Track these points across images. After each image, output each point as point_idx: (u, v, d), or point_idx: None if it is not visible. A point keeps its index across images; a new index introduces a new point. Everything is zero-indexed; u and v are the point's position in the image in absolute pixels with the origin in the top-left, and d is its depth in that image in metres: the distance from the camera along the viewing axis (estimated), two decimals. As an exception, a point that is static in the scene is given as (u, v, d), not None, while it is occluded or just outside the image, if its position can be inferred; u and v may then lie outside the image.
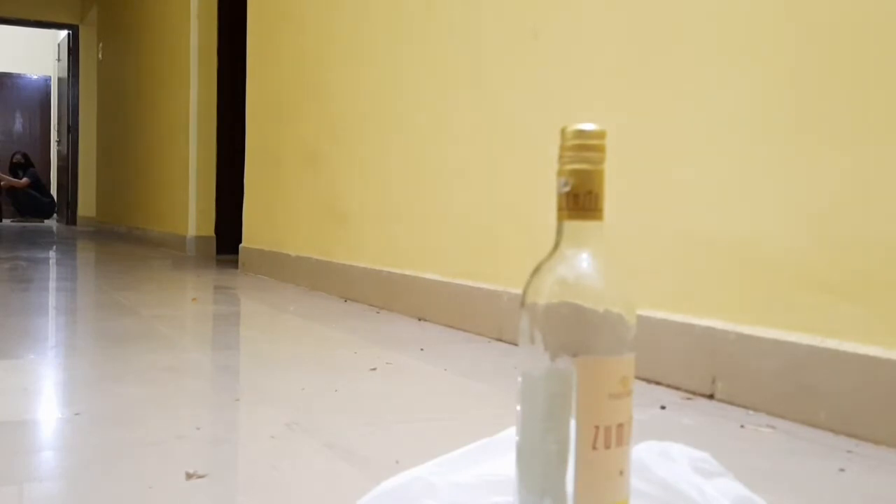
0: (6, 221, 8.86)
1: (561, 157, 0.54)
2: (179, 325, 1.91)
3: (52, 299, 2.34)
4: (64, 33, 8.50)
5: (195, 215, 4.35)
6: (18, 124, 10.29)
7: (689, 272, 1.24)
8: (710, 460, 0.65)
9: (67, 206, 8.46)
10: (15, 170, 8.98)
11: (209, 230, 4.30)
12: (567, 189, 0.53)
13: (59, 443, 0.95)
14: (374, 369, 1.36)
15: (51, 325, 1.88)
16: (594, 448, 0.51)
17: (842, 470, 0.87)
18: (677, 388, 1.22)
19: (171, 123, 4.73)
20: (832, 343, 1.02)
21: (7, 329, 1.74)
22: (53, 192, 9.42)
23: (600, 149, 0.53)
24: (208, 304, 2.37)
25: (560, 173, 0.54)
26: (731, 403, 1.14)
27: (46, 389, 1.24)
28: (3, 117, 10.19)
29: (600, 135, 0.53)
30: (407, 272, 2.06)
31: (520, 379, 0.54)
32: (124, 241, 5.57)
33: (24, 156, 9.10)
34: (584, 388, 0.51)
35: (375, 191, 2.27)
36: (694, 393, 1.20)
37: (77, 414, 1.04)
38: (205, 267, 3.55)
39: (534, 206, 1.60)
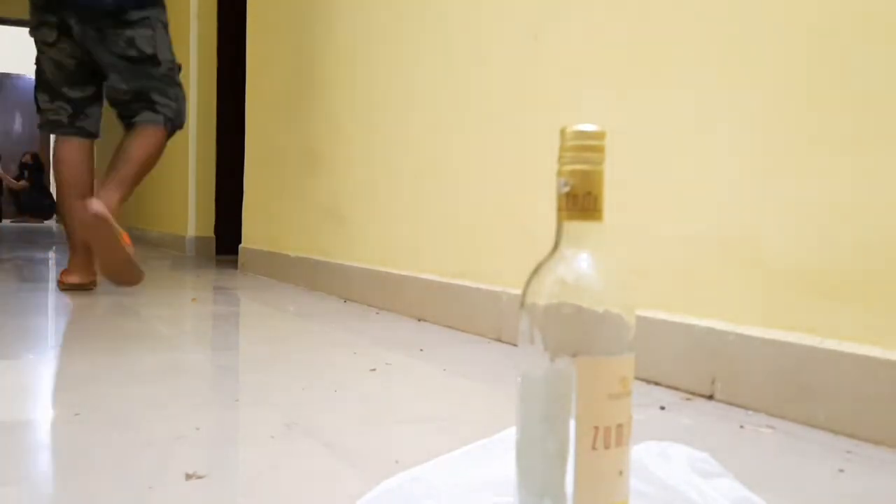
0: (6, 222, 8.86)
1: (560, 157, 0.54)
2: (179, 325, 1.91)
3: (51, 299, 2.34)
4: (64, 33, 8.49)
5: (195, 215, 4.35)
6: (18, 124, 10.29)
7: (689, 272, 1.24)
8: (709, 460, 0.65)
9: (67, 207, 8.44)
10: (23, 169, 8.98)
11: (209, 230, 4.30)
12: (567, 189, 0.53)
13: (59, 443, 0.95)
14: (374, 370, 1.36)
15: (50, 325, 1.88)
16: (594, 448, 0.51)
17: (841, 471, 0.87)
18: (677, 389, 1.23)
19: (170, 123, 4.73)
20: (832, 343, 1.02)
21: (7, 329, 1.74)
22: (53, 192, 9.42)
23: (600, 149, 0.53)
24: (208, 304, 2.37)
25: (560, 174, 0.54)
26: (731, 404, 1.14)
27: (46, 389, 1.24)
28: (2, 117, 10.19)
29: (600, 135, 0.53)
30: (406, 272, 2.06)
31: (519, 379, 0.54)
32: (124, 241, 5.56)
33: (34, 156, 9.11)
34: (583, 388, 0.51)
35: (374, 191, 2.27)
36: (693, 393, 1.20)
37: (77, 414, 1.04)
38: (204, 267, 3.55)
39: (533, 207, 1.60)
